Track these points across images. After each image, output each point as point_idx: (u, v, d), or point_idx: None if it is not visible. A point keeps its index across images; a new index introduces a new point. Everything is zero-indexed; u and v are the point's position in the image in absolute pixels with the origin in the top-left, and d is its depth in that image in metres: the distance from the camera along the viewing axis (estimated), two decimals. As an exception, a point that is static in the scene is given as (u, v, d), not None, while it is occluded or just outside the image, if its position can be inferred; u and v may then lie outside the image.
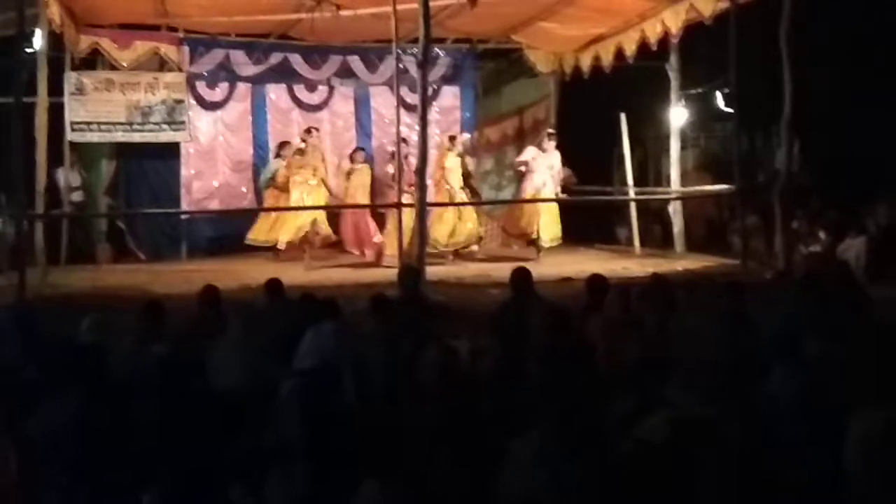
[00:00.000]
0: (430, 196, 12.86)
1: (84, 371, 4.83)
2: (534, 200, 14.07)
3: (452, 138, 14.28)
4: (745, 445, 4.00)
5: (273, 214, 14.01)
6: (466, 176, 14.13)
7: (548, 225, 13.84)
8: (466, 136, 14.91)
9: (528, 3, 12.19)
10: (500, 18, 14.22)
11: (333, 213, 14.33)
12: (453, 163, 13.82)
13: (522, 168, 14.17)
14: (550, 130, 14.51)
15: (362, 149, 15.10)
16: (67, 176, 14.28)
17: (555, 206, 14.00)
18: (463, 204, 13.77)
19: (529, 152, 14.19)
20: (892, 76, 14.38)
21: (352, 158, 14.86)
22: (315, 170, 13.87)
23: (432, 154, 12.66)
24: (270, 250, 14.12)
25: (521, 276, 7.50)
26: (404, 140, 12.56)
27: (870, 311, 6.97)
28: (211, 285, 7.60)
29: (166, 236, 15.36)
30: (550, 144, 14.00)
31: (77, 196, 14.62)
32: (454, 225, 13.74)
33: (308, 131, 14.26)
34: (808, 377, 4.82)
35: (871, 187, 13.61)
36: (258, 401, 4.76)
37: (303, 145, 13.91)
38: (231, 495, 3.81)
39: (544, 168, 13.84)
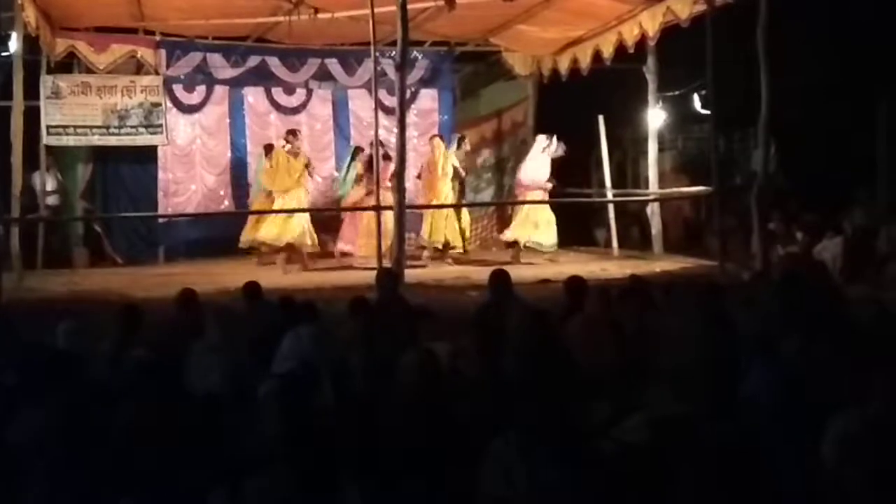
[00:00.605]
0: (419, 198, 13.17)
1: (62, 376, 4.81)
2: (512, 202, 14.11)
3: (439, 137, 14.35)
4: (723, 445, 4.02)
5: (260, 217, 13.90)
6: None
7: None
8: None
9: (506, 6, 12.19)
10: (478, 21, 14.23)
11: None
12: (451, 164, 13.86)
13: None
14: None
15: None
16: (43, 180, 14.21)
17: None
18: (449, 206, 13.77)
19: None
20: (867, 78, 14.50)
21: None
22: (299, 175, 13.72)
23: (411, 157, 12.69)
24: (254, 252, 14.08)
25: (500, 277, 7.52)
26: (381, 143, 12.53)
27: (846, 311, 7.01)
28: (189, 289, 7.57)
29: (143, 240, 15.30)
30: (561, 146, 14.01)
31: (53, 200, 14.55)
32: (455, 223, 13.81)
33: (293, 133, 13.97)
34: (786, 377, 4.85)
35: (848, 189, 13.71)
36: (237, 404, 4.75)
37: (288, 147, 13.72)
38: (211, 499, 3.80)
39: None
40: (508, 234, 14.09)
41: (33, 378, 4.96)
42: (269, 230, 13.41)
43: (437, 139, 14.19)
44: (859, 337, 5.63)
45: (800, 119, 14.39)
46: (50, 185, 14.46)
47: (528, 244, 13.82)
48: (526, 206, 13.85)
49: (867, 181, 14.32)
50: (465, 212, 14.25)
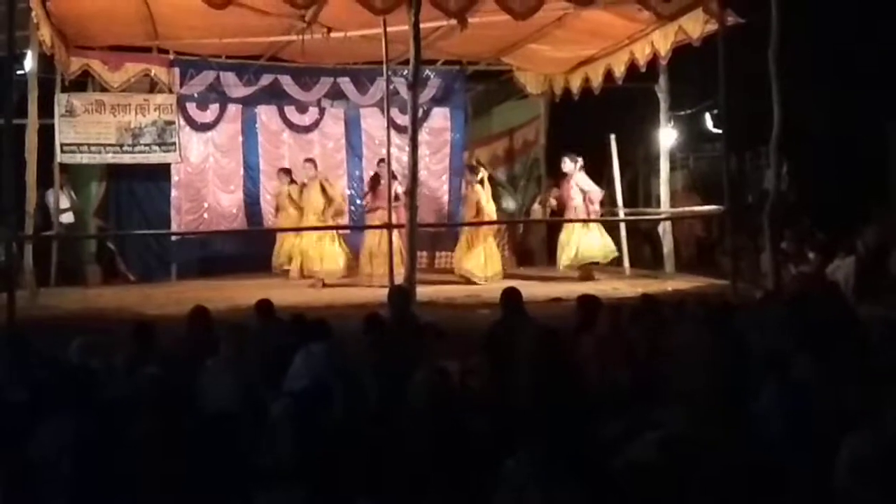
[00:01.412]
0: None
1: (75, 393, 4.83)
2: (524, 221, 14.15)
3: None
4: (735, 465, 4.01)
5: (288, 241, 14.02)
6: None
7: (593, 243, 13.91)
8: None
9: (518, 26, 12.20)
10: (491, 40, 14.27)
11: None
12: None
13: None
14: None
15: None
16: (57, 197, 14.25)
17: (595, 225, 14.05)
18: (454, 225, 13.83)
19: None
20: (879, 96, 14.49)
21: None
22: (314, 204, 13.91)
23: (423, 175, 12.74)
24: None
25: (512, 296, 7.52)
26: (382, 160, 12.67)
27: (858, 331, 7.00)
28: (201, 306, 7.59)
29: (156, 257, 15.32)
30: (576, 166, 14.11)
31: (67, 217, 14.59)
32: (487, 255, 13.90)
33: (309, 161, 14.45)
34: (798, 397, 4.84)
35: (860, 208, 13.68)
36: (250, 422, 4.76)
37: (305, 180, 14.06)
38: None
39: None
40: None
41: (48, 395, 4.98)
42: (332, 265, 13.75)
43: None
44: (872, 357, 5.62)
45: (813, 137, 14.40)
46: (64, 202, 14.51)
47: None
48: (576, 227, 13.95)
49: (879, 200, 14.29)
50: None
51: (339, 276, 13.84)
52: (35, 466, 4.47)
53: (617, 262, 14.72)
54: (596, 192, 14.08)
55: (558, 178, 14.82)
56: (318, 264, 13.72)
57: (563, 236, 14.11)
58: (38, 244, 12.66)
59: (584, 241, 13.84)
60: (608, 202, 15.94)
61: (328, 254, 13.79)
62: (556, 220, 14.02)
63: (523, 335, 6.48)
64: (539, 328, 6.62)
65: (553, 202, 14.92)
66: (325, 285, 13.53)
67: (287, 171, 14.89)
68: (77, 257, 14.81)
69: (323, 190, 14.02)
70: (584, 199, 13.95)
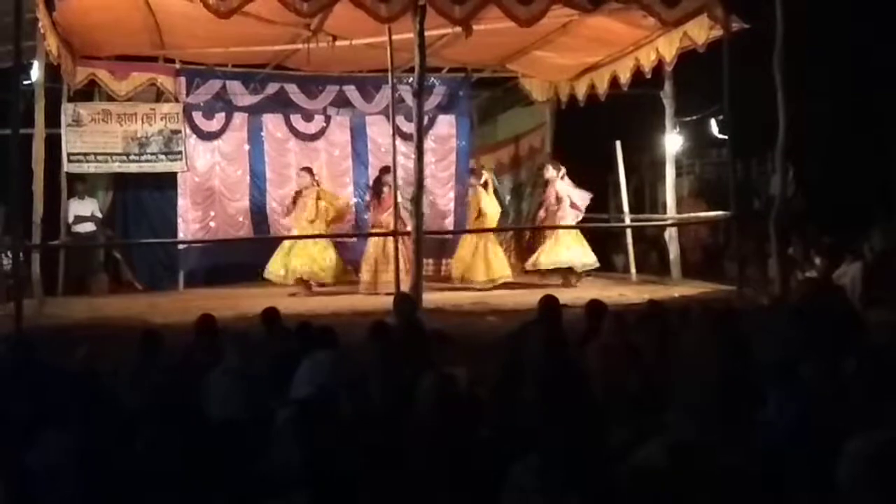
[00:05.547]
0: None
1: (81, 401, 4.83)
2: (526, 228, 14.17)
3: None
4: (743, 471, 4.00)
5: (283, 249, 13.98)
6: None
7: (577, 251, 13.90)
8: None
9: (522, 33, 12.23)
10: (496, 47, 14.28)
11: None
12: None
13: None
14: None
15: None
16: (66, 207, 14.28)
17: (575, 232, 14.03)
18: (462, 232, 13.84)
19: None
20: (885, 102, 14.49)
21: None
22: (309, 209, 13.86)
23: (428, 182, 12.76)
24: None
25: (549, 304, 7.51)
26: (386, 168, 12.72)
27: (865, 336, 6.98)
28: (207, 314, 7.61)
29: (163, 266, 15.35)
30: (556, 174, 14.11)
31: (85, 227, 14.61)
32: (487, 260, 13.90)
33: (306, 170, 14.35)
34: (806, 402, 4.82)
35: (867, 213, 13.68)
36: (256, 430, 4.75)
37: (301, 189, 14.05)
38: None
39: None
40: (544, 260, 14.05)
41: (54, 403, 4.99)
42: (324, 263, 13.70)
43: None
44: (879, 362, 5.60)
45: (819, 143, 14.40)
46: (83, 211, 14.55)
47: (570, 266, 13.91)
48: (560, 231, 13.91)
49: (884, 204, 14.29)
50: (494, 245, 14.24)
51: (332, 276, 13.80)
52: (38, 475, 4.47)
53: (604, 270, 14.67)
54: (578, 196, 14.04)
55: (543, 185, 14.71)
56: (308, 266, 13.65)
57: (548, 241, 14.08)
58: (45, 253, 12.68)
59: (566, 246, 13.82)
60: (614, 209, 15.98)
61: (319, 256, 13.71)
62: (538, 228, 13.99)
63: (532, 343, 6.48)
64: (546, 334, 6.62)
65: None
66: (313, 290, 13.57)
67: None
68: (87, 266, 14.82)
69: (318, 200, 13.98)
70: (568, 206, 13.93)
